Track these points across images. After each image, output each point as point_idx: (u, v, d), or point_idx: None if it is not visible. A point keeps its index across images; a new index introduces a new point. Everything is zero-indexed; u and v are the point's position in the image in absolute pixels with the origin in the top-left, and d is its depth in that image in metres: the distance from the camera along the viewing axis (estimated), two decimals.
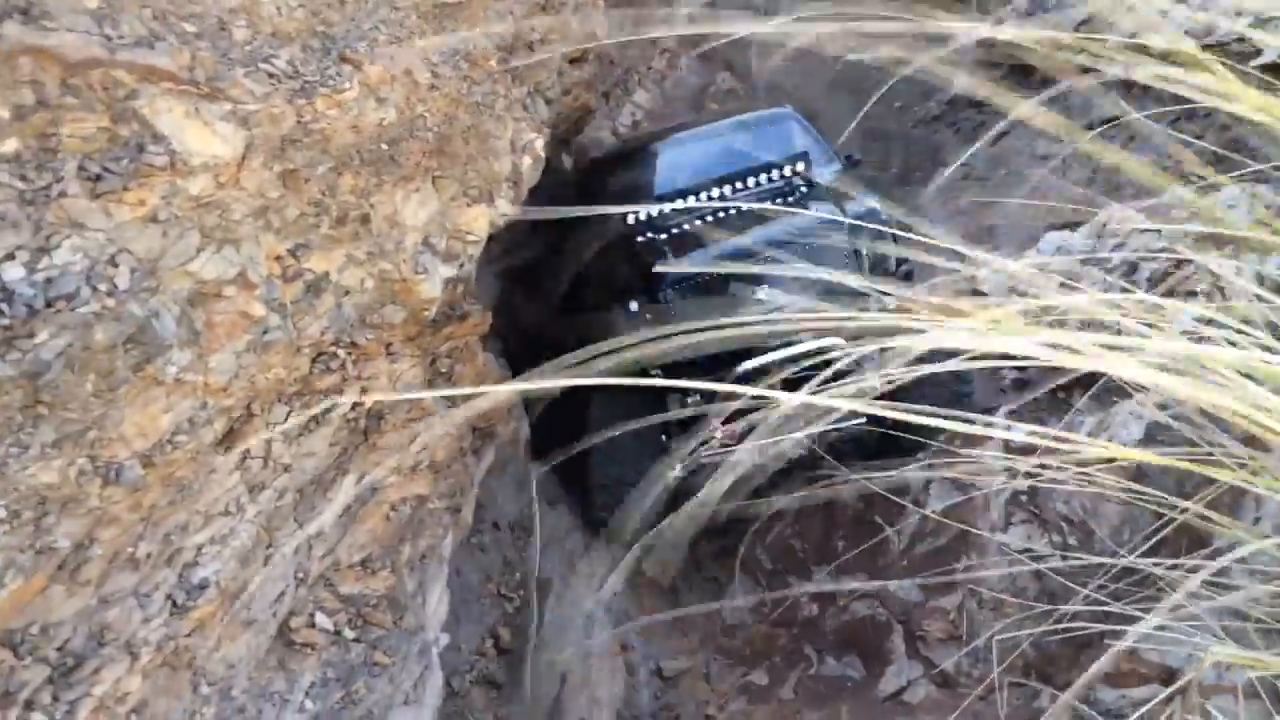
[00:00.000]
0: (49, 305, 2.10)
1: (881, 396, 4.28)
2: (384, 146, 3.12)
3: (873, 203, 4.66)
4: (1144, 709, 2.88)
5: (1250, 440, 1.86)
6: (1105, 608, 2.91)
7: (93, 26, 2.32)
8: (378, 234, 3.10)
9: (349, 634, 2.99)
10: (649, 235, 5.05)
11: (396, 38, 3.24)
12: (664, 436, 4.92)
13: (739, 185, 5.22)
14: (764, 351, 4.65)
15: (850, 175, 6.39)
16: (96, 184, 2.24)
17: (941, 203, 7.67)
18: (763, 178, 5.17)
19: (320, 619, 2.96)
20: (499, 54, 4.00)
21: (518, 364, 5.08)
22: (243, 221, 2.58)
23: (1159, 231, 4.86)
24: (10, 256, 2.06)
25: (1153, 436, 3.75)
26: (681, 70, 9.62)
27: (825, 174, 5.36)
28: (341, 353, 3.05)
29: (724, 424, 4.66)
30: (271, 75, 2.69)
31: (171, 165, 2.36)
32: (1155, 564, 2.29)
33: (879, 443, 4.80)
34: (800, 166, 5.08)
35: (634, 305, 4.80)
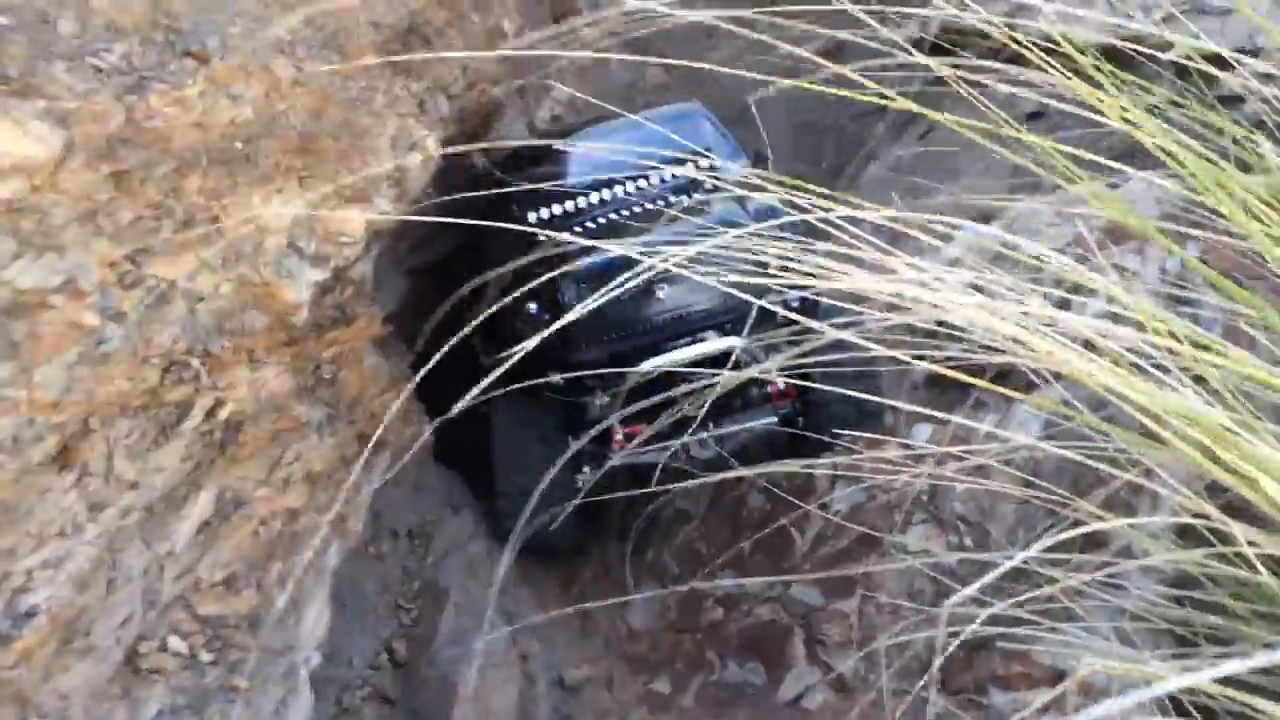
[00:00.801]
0: None
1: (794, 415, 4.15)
2: (238, 145, 2.98)
3: (772, 201, 4.58)
4: (1024, 713, 2.81)
5: (1144, 438, 1.80)
6: (997, 610, 2.84)
7: None
8: (233, 237, 2.96)
9: (205, 657, 2.85)
10: (551, 235, 4.94)
11: (253, 30, 3.09)
12: (570, 440, 4.82)
13: (643, 182, 5.13)
14: (669, 350, 4.57)
15: (766, 171, 6.31)
16: None
17: (871, 197, 7.63)
18: (667, 173, 5.08)
19: (174, 642, 2.81)
20: (378, 49, 3.86)
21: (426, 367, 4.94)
22: (66, 226, 2.44)
23: (1069, 225, 4.85)
24: None
25: (1050, 436, 3.70)
26: (610, 65, 9.50)
27: (730, 170, 5.27)
28: (195, 362, 2.90)
29: (625, 426, 4.58)
30: (100, 70, 2.55)
31: None
32: (1048, 564, 2.22)
33: (788, 443, 4.74)
34: (705, 163, 4.99)
35: (534, 307, 4.69)
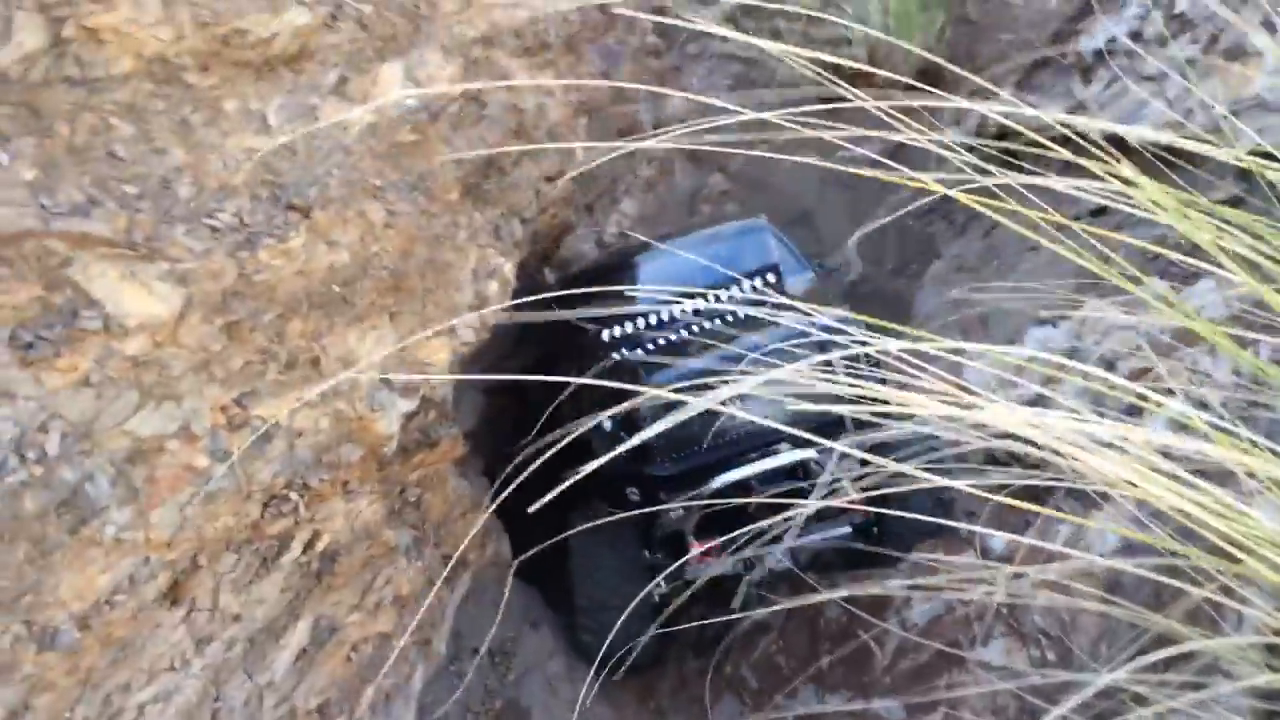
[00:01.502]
0: None
1: (868, 525, 4.17)
2: (335, 288, 3.16)
3: (842, 312, 4.68)
4: None
5: (1221, 551, 1.83)
6: None
7: (28, 198, 2.37)
8: (330, 375, 3.12)
9: None
10: (623, 352, 5.08)
11: (349, 181, 3.29)
12: (646, 554, 4.88)
13: (711, 298, 5.26)
14: (741, 463, 4.64)
15: (832, 278, 6.46)
16: (27, 352, 2.27)
17: (935, 295, 7.69)
18: (735, 291, 5.20)
19: None
20: (460, 184, 4.06)
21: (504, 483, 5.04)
22: (183, 377, 2.61)
23: (1135, 329, 4.87)
24: None
25: (1128, 547, 3.68)
26: (674, 174, 9.72)
27: (797, 285, 5.40)
28: (294, 495, 3.04)
29: (701, 541, 4.63)
30: (215, 230, 2.74)
31: (106, 328, 2.39)
32: (1136, 680, 2.23)
33: (862, 554, 4.75)
34: (771, 278, 5.12)
35: (607, 424, 4.78)
